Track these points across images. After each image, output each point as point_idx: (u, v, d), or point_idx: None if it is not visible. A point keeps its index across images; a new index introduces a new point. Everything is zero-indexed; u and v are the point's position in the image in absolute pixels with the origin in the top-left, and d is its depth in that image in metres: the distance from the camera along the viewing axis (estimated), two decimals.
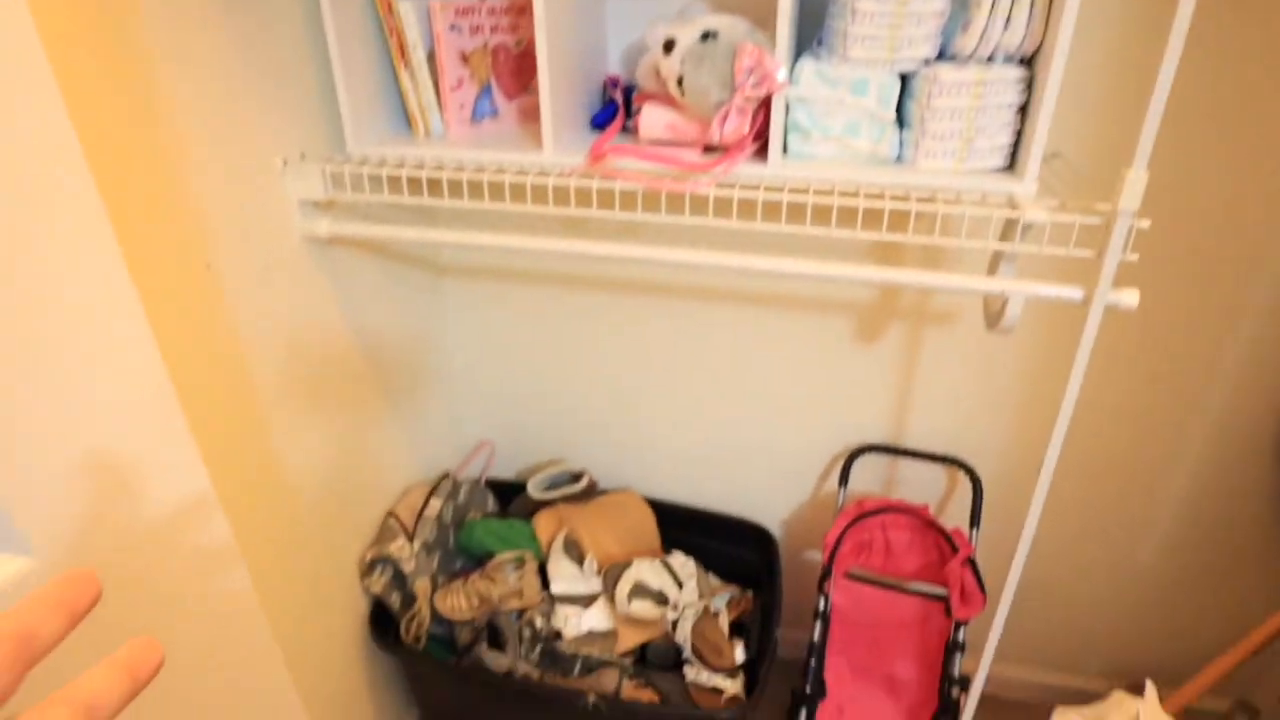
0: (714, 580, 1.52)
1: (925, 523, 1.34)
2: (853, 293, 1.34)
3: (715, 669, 1.33)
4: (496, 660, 1.29)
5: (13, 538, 0.47)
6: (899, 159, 0.96)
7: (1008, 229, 0.91)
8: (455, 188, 0.99)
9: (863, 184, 0.91)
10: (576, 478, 1.55)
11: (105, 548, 0.54)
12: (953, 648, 1.33)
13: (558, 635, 1.34)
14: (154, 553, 0.58)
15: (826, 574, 1.36)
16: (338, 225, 1.06)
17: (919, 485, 1.50)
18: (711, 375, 1.50)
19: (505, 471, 1.74)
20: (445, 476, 1.46)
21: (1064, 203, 0.87)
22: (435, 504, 1.39)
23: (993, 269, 1.00)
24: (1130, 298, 0.86)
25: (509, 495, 1.61)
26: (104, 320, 0.52)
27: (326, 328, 1.18)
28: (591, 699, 1.20)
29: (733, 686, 1.32)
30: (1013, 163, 0.94)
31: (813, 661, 1.37)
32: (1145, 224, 0.82)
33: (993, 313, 0.95)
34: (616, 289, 1.45)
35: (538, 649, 1.33)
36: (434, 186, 1.00)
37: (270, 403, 1.06)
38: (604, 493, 1.58)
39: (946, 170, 0.93)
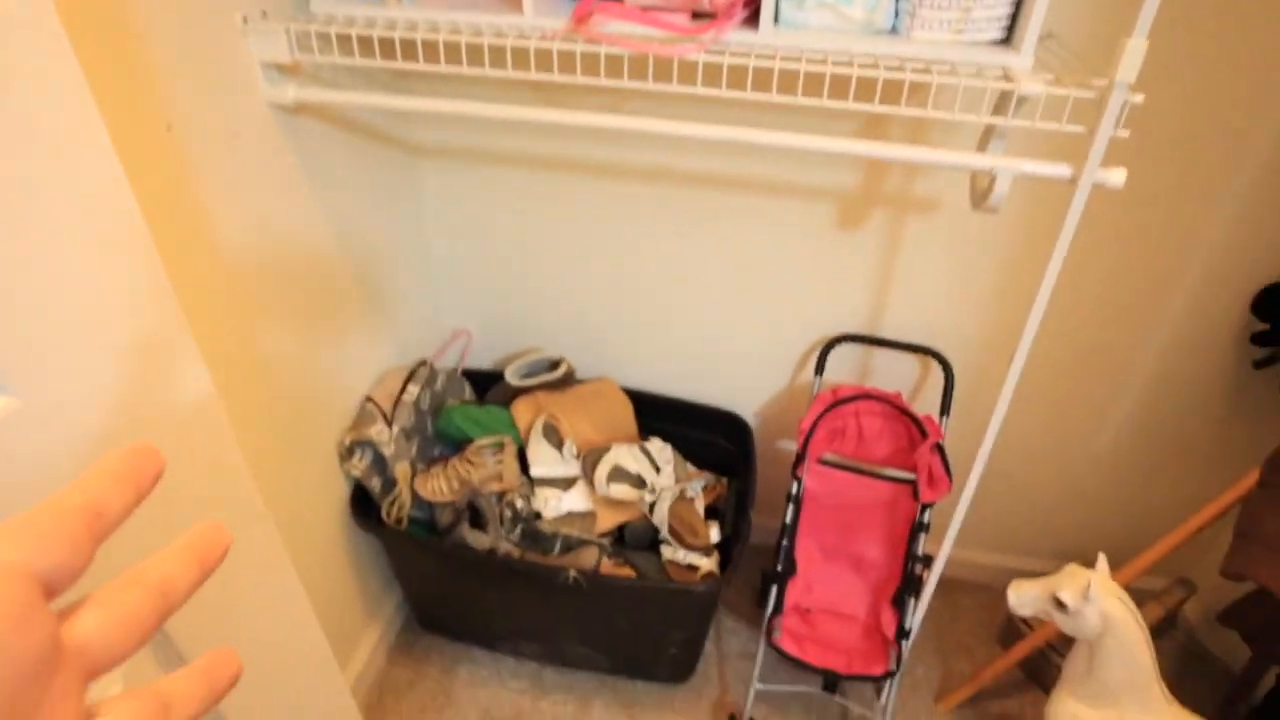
0: (690, 468, 1.55)
1: (897, 410, 1.38)
2: (836, 178, 1.32)
3: (691, 548, 1.38)
4: (478, 539, 1.32)
5: None
6: (894, 29, 0.93)
7: (1001, 103, 0.89)
8: (431, 50, 0.93)
9: (856, 54, 0.88)
10: (554, 365, 1.56)
11: (97, 408, 0.52)
12: (918, 528, 1.39)
13: (537, 516, 1.38)
14: (143, 413, 0.57)
15: (800, 459, 1.39)
16: (304, 92, 1.00)
17: (893, 375, 1.53)
18: (692, 264, 1.49)
19: (482, 362, 1.73)
20: (422, 363, 1.45)
21: (1059, 77, 0.85)
22: (413, 390, 1.39)
23: (982, 147, 0.99)
24: (1117, 177, 0.86)
25: (485, 386, 1.61)
26: (81, 175, 0.49)
27: (297, 210, 1.13)
28: (571, 574, 1.24)
29: (708, 564, 1.37)
30: (1009, 37, 0.91)
31: (784, 541, 1.42)
32: (1139, 99, 0.80)
33: (979, 191, 0.95)
34: (598, 174, 1.41)
35: (518, 529, 1.36)
36: (407, 50, 0.95)
37: (241, 280, 1.03)
38: (581, 382, 1.59)
39: (942, 41, 0.90)
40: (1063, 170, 0.86)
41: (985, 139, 0.99)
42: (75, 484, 0.24)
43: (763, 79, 0.88)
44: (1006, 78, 0.85)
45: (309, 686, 0.91)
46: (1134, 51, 0.76)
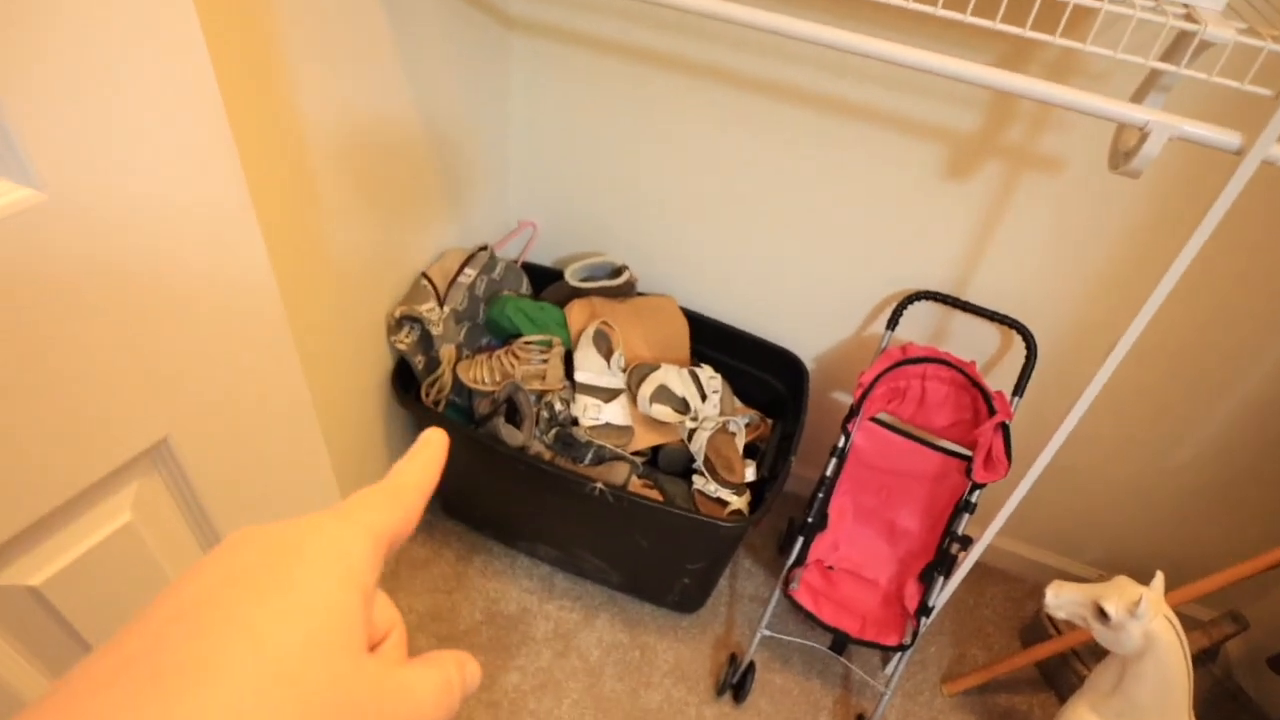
0: (738, 403, 1.50)
1: (968, 379, 1.28)
2: (955, 117, 1.20)
3: (724, 483, 1.33)
4: (512, 435, 1.30)
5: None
6: None
7: (1175, 50, 0.77)
8: None
9: None
10: (617, 272, 1.49)
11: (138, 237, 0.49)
12: (963, 507, 1.32)
13: (574, 422, 1.34)
14: (191, 273, 0.53)
15: (854, 412, 1.32)
16: None
17: (969, 343, 1.43)
18: (776, 190, 1.39)
19: (543, 258, 1.68)
20: (483, 248, 1.41)
21: (1254, 28, 0.72)
22: (469, 273, 1.35)
23: (1138, 100, 0.87)
24: None
25: (544, 283, 1.56)
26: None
27: (378, 71, 1.08)
28: (599, 487, 1.21)
29: (738, 501, 1.33)
30: None
31: (820, 494, 1.37)
32: None
33: (1123, 150, 0.84)
34: (693, 75, 1.31)
35: (553, 431, 1.33)
36: None
37: (310, 139, 0.99)
38: (641, 295, 1.53)
39: None
40: (1232, 139, 0.75)
41: (1142, 92, 0.87)
42: (407, 463, 0.29)
43: None
44: (1190, 18, 0.73)
45: None
46: None
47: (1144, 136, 0.77)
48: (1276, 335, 1.23)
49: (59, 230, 0.45)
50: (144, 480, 0.61)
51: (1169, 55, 0.78)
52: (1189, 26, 0.71)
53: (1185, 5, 0.75)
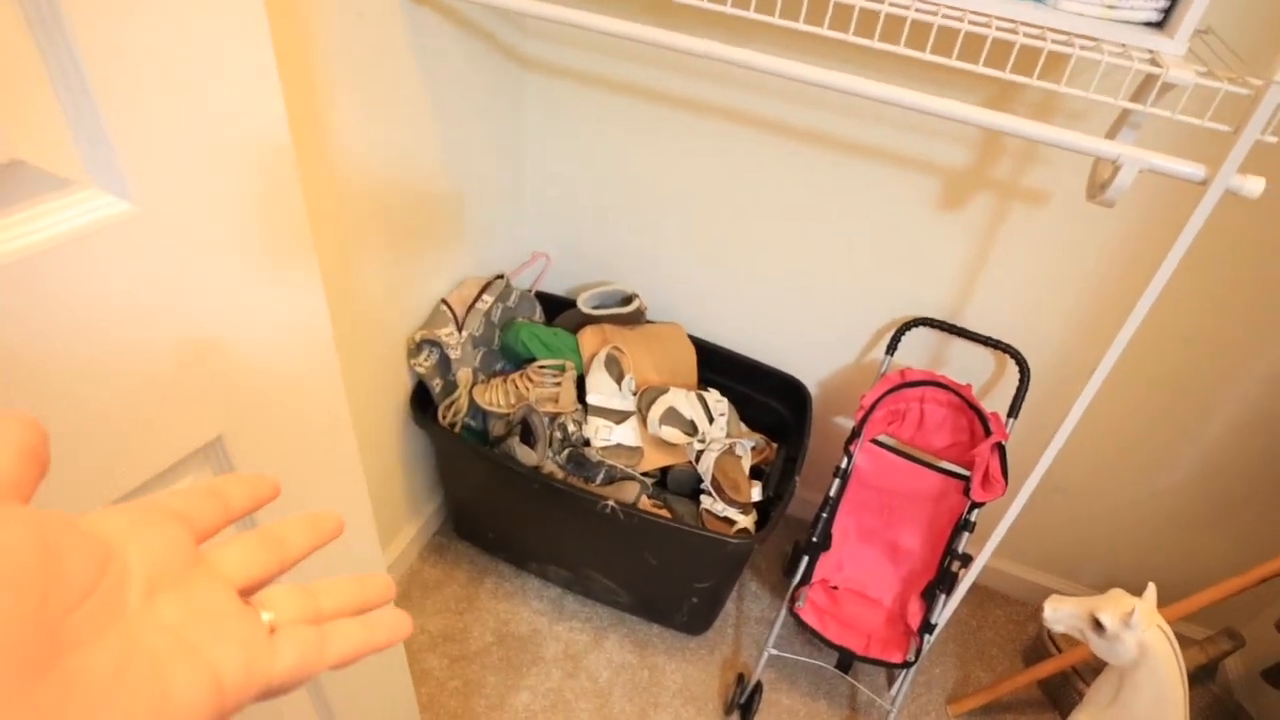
0: (743, 427, 1.55)
1: (965, 402, 1.34)
2: (947, 153, 1.27)
3: (731, 502, 1.38)
4: (525, 454, 1.35)
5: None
6: None
7: (1142, 90, 0.84)
8: None
9: (996, 16, 0.84)
10: (627, 300, 1.56)
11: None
12: (962, 525, 1.36)
13: (586, 443, 1.40)
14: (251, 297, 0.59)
15: (855, 434, 1.37)
16: None
17: (966, 367, 1.49)
18: (779, 222, 1.47)
19: (556, 287, 1.75)
20: (499, 277, 1.48)
21: (1212, 70, 0.80)
22: (487, 299, 1.42)
23: (1111, 136, 0.94)
24: (1254, 185, 0.80)
25: (556, 310, 1.63)
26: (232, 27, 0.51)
27: (406, 103, 1.16)
28: (610, 504, 1.26)
29: (744, 521, 1.37)
30: (1164, 21, 0.86)
31: (824, 514, 1.41)
32: None
33: (1098, 182, 0.90)
34: (700, 114, 1.39)
35: (565, 452, 1.38)
36: None
37: (342, 168, 1.06)
38: (651, 322, 1.60)
39: (1091, 15, 0.85)
40: (1196, 170, 0.81)
41: (1115, 128, 0.94)
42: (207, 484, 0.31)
43: (892, 29, 0.86)
44: (1154, 62, 0.80)
45: (352, 559, 0.95)
46: None
47: (1116, 169, 0.84)
48: (1255, 359, 1.29)
49: (147, 243, 0.51)
50: (197, 475, 0.66)
51: (1137, 95, 0.86)
52: (1153, 70, 0.78)
53: (1150, 51, 0.82)
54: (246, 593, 0.28)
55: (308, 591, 0.30)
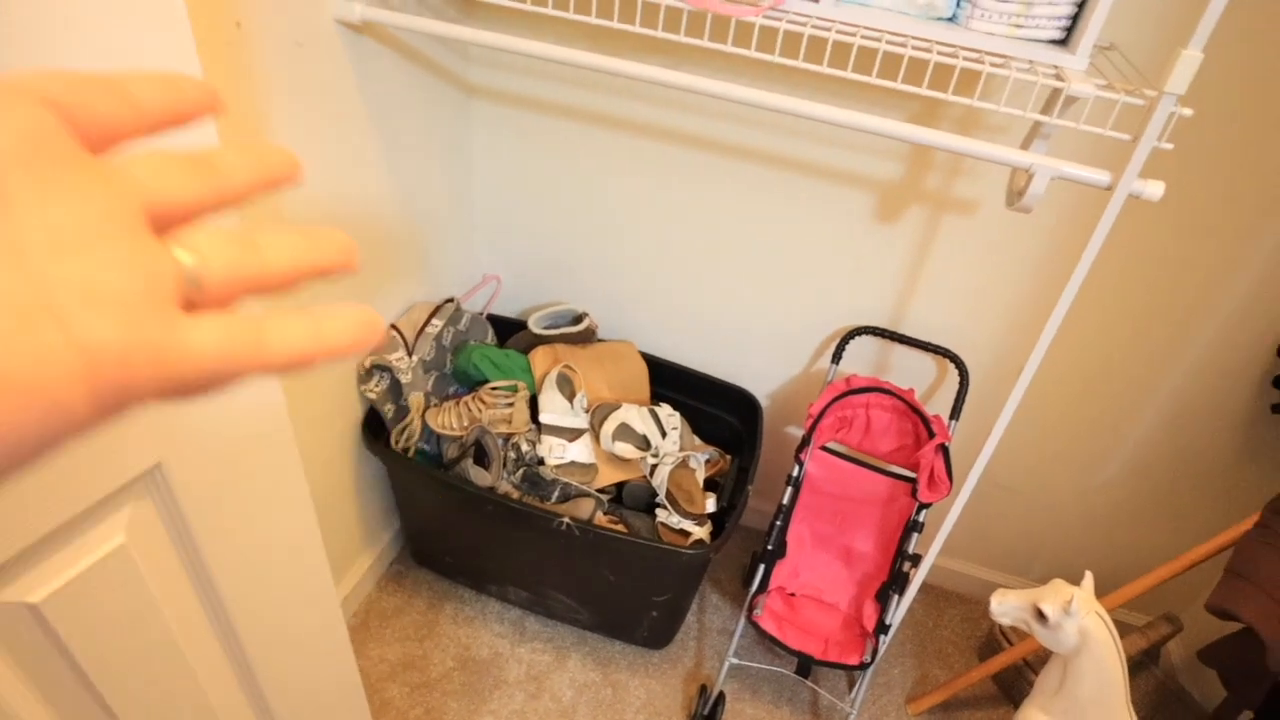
0: (697, 440, 1.58)
1: (908, 406, 1.38)
2: (880, 168, 1.33)
3: (686, 514, 1.40)
4: (480, 476, 1.35)
5: None
6: (953, 18, 0.94)
7: (1049, 103, 0.90)
8: None
9: (912, 36, 0.89)
10: (578, 319, 1.58)
11: None
12: (912, 527, 1.40)
13: (540, 462, 1.40)
14: None
15: (805, 442, 1.41)
16: (371, 11, 1.03)
17: (909, 372, 1.54)
18: (724, 239, 1.50)
19: (508, 310, 1.76)
20: (450, 301, 1.48)
21: (1111, 83, 0.85)
22: (437, 323, 1.42)
23: (1025, 147, 0.99)
24: (1155, 189, 0.86)
25: (508, 333, 1.64)
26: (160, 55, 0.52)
27: (350, 131, 1.16)
28: (565, 521, 1.26)
29: (700, 531, 1.39)
30: (1067, 39, 0.92)
31: (778, 522, 1.44)
32: (1188, 112, 0.81)
33: (1015, 190, 0.95)
34: (641, 135, 1.43)
35: (520, 471, 1.39)
36: None
37: (297, 215, 1.07)
38: (602, 340, 1.61)
39: (999, 35, 0.91)
40: (1101, 176, 0.87)
41: (1029, 140, 0.99)
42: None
43: (816, 50, 0.90)
44: (1058, 76, 0.86)
45: (303, 589, 0.94)
46: (1187, 62, 0.76)
47: (1030, 178, 0.89)
48: (1178, 358, 1.36)
49: None
50: (137, 504, 0.65)
51: (1046, 108, 0.91)
52: (1057, 84, 0.83)
53: (1055, 66, 0.88)
54: (161, 226, 0.20)
55: (248, 239, 0.22)
